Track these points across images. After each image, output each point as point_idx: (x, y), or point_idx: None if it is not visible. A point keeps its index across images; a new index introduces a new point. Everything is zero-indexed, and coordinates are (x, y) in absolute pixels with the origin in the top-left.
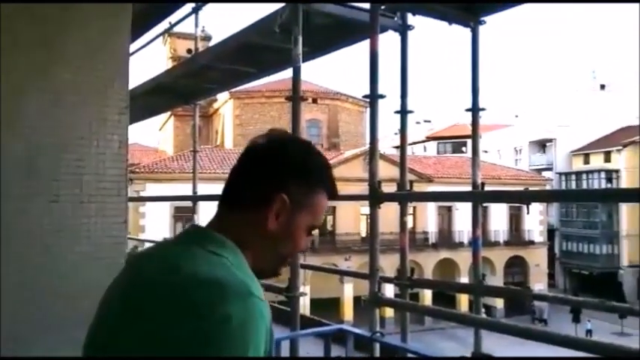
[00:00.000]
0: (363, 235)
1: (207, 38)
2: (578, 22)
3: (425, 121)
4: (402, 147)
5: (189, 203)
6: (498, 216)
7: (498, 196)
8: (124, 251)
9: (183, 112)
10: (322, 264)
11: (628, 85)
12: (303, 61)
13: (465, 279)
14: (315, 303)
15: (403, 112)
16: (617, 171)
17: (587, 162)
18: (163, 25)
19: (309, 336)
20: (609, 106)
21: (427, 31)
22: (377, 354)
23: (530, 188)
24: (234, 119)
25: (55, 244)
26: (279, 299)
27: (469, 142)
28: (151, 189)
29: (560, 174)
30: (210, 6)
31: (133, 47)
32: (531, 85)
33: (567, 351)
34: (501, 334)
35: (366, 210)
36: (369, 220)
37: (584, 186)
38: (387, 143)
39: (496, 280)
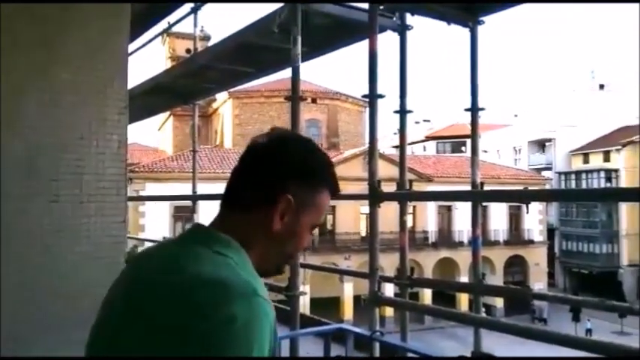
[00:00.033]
0: (363, 234)
1: (206, 38)
2: (577, 22)
3: (424, 120)
4: (401, 146)
5: (188, 203)
6: (498, 215)
7: (498, 196)
8: (123, 251)
9: (182, 111)
10: (322, 263)
11: (627, 85)
12: (302, 60)
13: (464, 278)
14: (315, 302)
15: (402, 111)
16: (616, 170)
17: (586, 161)
18: (162, 25)
19: (309, 335)
20: (608, 106)
21: (426, 31)
22: (377, 353)
23: (530, 188)
24: (233, 119)
25: (55, 244)
26: (279, 298)
27: (468, 141)
28: (151, 188)
29: (559, 173)
30: (209, 6)
31: (131, 47)
32: (530, 84)
33: (567, 350)
34: (501, 334)
35: (366, 209)
36: (368, 220)
37: (584, 185)
38: (387, 143)
39: (496, 279)
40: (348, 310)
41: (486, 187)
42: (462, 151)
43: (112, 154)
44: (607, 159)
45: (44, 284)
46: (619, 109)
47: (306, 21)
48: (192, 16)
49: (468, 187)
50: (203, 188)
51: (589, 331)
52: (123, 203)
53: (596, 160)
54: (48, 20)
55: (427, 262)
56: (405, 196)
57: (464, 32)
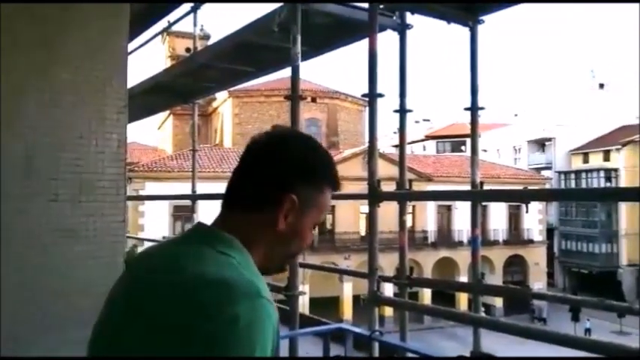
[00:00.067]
0: (363, 233)
1: (206, 37)
2: (576, 21)
3: (424, 120)
4: (401, 146)
5: (188, 202)
6: (498, 215)
7: (497, 195)
8: (122, 250)
9: (182, 111)
10: (322, 263)
11: (627, 85)
12: (302, 60)
13: (464, 278)
14: (314, 302)
15: (402, 111)
16: (616, 170)
17: (586, 161)
18: (162, 24)
19: (308, 335)
20: (608, 105)
21: (426, 30)
22: (376, 353)
23: (530, 187)
24: (233, 118)
25: (54, 244)
26: (278, 298)
27: (468, 141)
28: (150, 188)
29: (559, 173)
30: (208, 5)
31: (131, 46)
32: (530, 84)
33: (566, 350)
34: (501, 333)
35: (366, 209)
36: (368, 219)
37: (584, 185)
38: (387, 142)
39: (495, 279)
40: (347, 310)
41: (486, 187)
42: (461, 151)
43: (112, 154)
44: (607, 158)
45: (43, 284)
46: (619, 108)
47: (306, 20)
48: (191, 15)
49: (468, 187)
50: (203, 187)
51: (588, 330)
52: (122, 203)
53: (595, 160)
54: (47, 20)
55: (427, 261)
56: (404, 195)
57: (464, 31)
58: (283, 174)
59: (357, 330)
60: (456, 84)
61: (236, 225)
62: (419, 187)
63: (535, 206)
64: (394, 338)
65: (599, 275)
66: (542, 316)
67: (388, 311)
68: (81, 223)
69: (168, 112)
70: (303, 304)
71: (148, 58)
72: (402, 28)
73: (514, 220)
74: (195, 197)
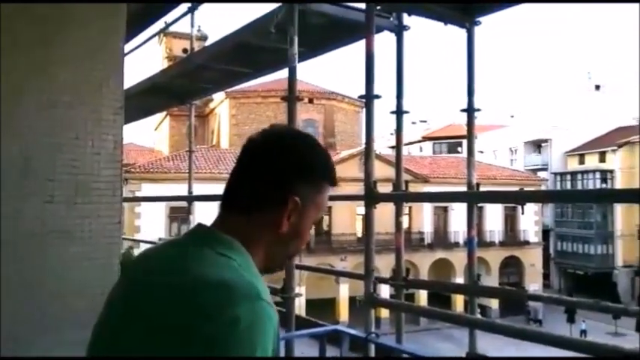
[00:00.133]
0: (359, 235)
1: (203, 38)
2: (573, 23)
3: (421, 121)
4: (397, 147)
5: (184, 203)
6: (494, 216)
7: (493, 197)
8: (118, 252)
9: (178, 111)
10: (318, 264)
11: (623, 86)
12: (299, 61)
13: (460, 279)
14: (310, 303)
15: (399, 112)
16: (611, 171)
17: (582, 162)
18: (159, 25)
19: (304, 337)
20: (604, 107)
21: (423, 31)
22: (372, 355)
23: (526, 188)
24: (230, 119)
25: (50, 245)
26: (275, 300)
27: (465, 142)
28: (147, 189)
29: (555, 174)
30: (205, 6)
31: (128, 47)
32: (526, 85)
33: (562, 351)
34: (496, 335)
35: (362, 210)
36: (364, 220)
37: (579, 186)
38: (383, 143)
39: (491, 280)
40: (343, 312)
41: (482, 188)
42: (458, 152)
43: (108, 155)
44: (603, 160)
45: (39, 285)
46: (615, 109)
47: (303, 21)
48: (189, 16)
49: (464, 188)
50: (199, 189)
51: (584, 332)
52: (118, 204)
53: (591, 161)
54: (45, 20)
55: (423, 263)
56: (401, 197)
57: (461, 33)
58: (283, 174)
59: (353, 332)
60: (453, 85)
61: (236, 226)
62: (415, 188)
63: (531, 207)
64: (390, 340)
65: (594, 276)
66: (537, 318)
67: (384, 313)
68: (76, 225)
69: (165, 113)
70: (300, 306)
71: (144, 58)
72: (399, 30)
73: (510, 221)
74: (191, 198)
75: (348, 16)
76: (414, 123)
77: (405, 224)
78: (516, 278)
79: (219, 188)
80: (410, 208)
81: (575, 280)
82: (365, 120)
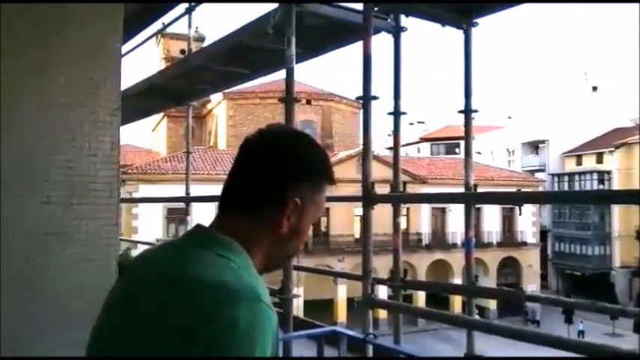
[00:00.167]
0: (357, 236)
1: (201, 39)
2: (570, 24)
3: (418, 122)
4: (395, 148)
5: (182, 204)
6: (491, 217)
7: (491, 198)
8: (115, 253)
9: (176, 113)
10: (316, 265)
11: (619, 87)
12: (297, 62)
13: (458, 280)
14: (308, 304)
15: (396, 113)
16: (609, 172)
17: (579, 163)
18: (157, 26)
19: (302, 338)
20: (601, 108)
21: (420, 32)
22: (370, 356)
23: (523, 189)
24: (227, 120)
25: (47, 246)
26: (273, 301)
27: (462, 143)
28: (144, 190)
29: (552, 175)
30: (203, 7)
31: (125, 48)
32: (524, 86)
33: (559, 352)
34: (494, 336)
35: (360, 211)
36: (362, 222)
37: (577, 187)
38: (381, 144)
39: (489, 281)
40: (341, 313)
41: (480, 189)
42: (456, 153)
43: (104, 156)
44: (600, 161)
45: (37, 286)
46: (612, 111)
47: (300, 22)
48: (186, 17)
49: (462, 189)
50: (197, 190)
51: (581, 332)
52: (115, 205)
53: (589, 162)
54: (44, 20)
55: (421, 264)
56: (398, 198)
57: (458, 34)
58: (282, 174)
59: (351, 333)
60: (450, 86)
61: (234, 227)
62: (413, 189)
63: (529, 208)
64: (388, 341)
65: (592, 277)
66: (535, 318)
67: (382, 314)
68: (73, 226)
69: (162, 114)
70: (298, 307)
71: (142, 59)
72: (396, 31)
73: (508, 222)
74: (189, 200)
75: (345, 17)
76: (411, 124)
77: (402, 225)
78: (514, 279)
79: (216, 189)
80: (408, 209)
81: (573, 281)
82: (362, 121)
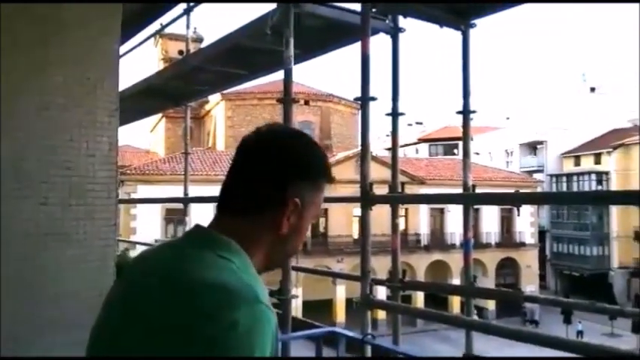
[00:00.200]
0: (356, 236)
1: (199, 40)
2: (568, 25)
3: (417, 123)
4: (393, 149)
5: (180, 205)
6: (490, 218)
7: (490, 199)
8: (113, 254)
9: (174, 113)
10: (315, 266)
11: (617, 88)
12: (295, 63)
13: (457, 281)
14: (307, 305)
15: (395, 114)
16: (607, 173)
17: (577, 164)
18: (155, 27)
19: (301, 338)
20: (599, 109)
21: (418, 33)
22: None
23: (522, 190)
24: (225, 121)
25: (46, 247)
26: (271, 302)
27: (461, 144)
28: (142, 191)
29: (551, 176)
30: (202, 7)
31: (124, 48)
32: (522, 87)
33: (558, 352)
34: (493, 336)
35: (359, 212)
36: (361, 222)
37: (575, 188)
38: (379, 145)
39: (488, 281)
40: (340, 313)
41: (478, 190)
42: (454, 154)
43: (103, 157)
44: (598, 161)
45: (37, 286)
46: (610, 111)
47: (298, 23)
48: (184, 18)
49: (460, 190)
50: (195, 190)
51: (580, 333)
52: (113, 206)
53: (587, 163)
54: (43, 21)
55: (419, 264)
56: (397, 198)
57: (456, 35)
58: (281, 174)
59: (349, 333)
60: (449, 87)
61: (233, 227)
62: (411, 190)
63: (527, 209)
64: (387, 341)
65: (590, 278)
66: (534, 319)
67: (381, 314)
68: (72, 227)
69: (160, 114)
70: (296, 308)
71: (140, 60)
72: (394, 32)
73: (506, 223)
74: (187, 200)
75: (343, 18)
76: (410, 125)
77: (401, 226)
78: (513, 279)
79: (215, 190)
80: (406, 209)
81: (572, 282)
82: (361, 122)
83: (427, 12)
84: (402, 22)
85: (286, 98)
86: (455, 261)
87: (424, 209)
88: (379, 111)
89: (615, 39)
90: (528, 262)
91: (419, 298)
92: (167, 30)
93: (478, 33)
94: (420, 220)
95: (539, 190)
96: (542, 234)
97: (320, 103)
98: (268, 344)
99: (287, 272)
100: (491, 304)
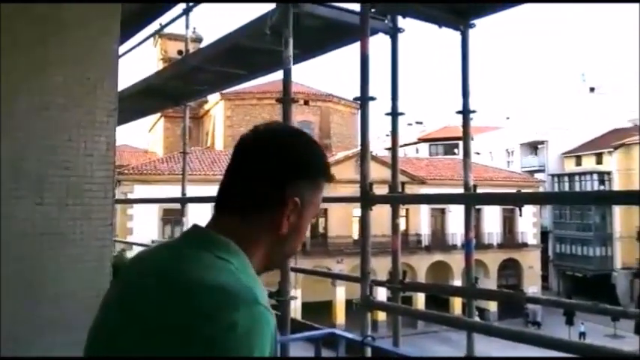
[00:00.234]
0: (356, 237)
1: (198, 40)
2: (568, 25)
3: (417, 122)
4: (393, 149)
5: (178, 205)
6: (492, 218)
7: (491, 199)
8: (110, 254)
9: (173, 113)
10: (314, 267)
11: (618, 88)
12: (294, 63)
13: (458, 282)
14: (306, 306)
15: (394, 114)
16: (609, 173)
17: (579, 164)
18: (154, 26)
19: (300, 340)
20: (600, 109)
21: (418, 33)
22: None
23: (523, 190)
24: (224, 121)
25: (42, 247)
26: (270, 303)
27: (461, 143)
28: (140, 191)
29: (552, 176)
30: (201, 7)
31: (123, 48)
32: (522, 87)
33: (560, 354)
34: (495, 338)
35: (359, 212)
36: (360, 223)
37: (577, 188)
38: (380, 145)
39: (490, 282)
40: (340, 315)
41: (479, 190)
42: (454, 154)
43: (100, 157)
44: (599, 161)
45: (35, 286)
46: (611, 111)
47: (297, 23)
48: (184, 18)
49: (461, 190)
50: (193, 191)
51: (583, 334)
52: (110, 206)
53: (588, 163)
54: (43, 20)
55: (420, 265)
56: (397, 199)
57: (455, 35)
58: (281, 173)
59: (349, 335)
60: (449, 87)
61: (232, 227)
62: (412, 190)
63: (529, 209)
64: (387, 343)
65: (593, 278)
66: (536, 320)
67: (382, 316)
68: (68, 227)
69: (159, 114)
70: (295, 309)
71: (139, 60)
72: (393, 32)
73: (508, 223)
74: (185, 200)
75: (342, 18)
76: (409, 125)
77: (402, 226)
78: (515, 281)
79: (213, 190)
80: (407, 210)
81: (574, 283)
82: (360, 122)
83: (426, 12)
84: (401, 22)
85: (285, 98)
86: (456, 262)
87: (425, 209)
88: (379, 111)
89: (615, 39)
90: (531, 262)
91: (420, 300)
92: (166, 30)
93: (477, 33)
94: (420, 220)
95: (540, 190)
96: (544, 234)
97: (319, 103)
98: (267, 346)
99: (286, 273)
100: (493, 306)
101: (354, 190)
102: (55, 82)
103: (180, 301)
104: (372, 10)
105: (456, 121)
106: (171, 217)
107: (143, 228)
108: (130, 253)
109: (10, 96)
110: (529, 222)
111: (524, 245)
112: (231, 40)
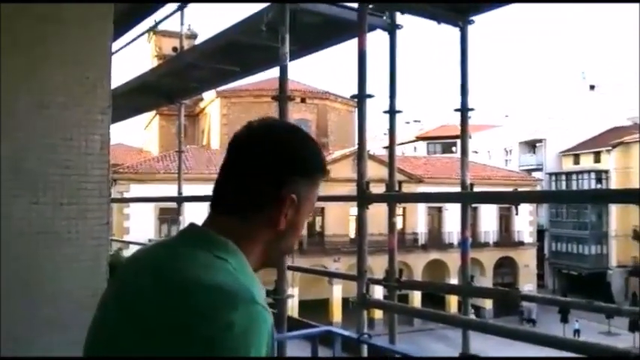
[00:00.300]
0: (352, 236)
1: (193, 36)
2: (567, 22)
3: (414, 121)
4: (390, 147)
5: (174, 204)
6: (488, 217)
7: (488, 197)
8: (106, 254)
9: (168, 111)
10: (311, 265)
11: (617, 86)
12: (291, 59)
13: (454, 280)
14: (303, 304)
15: (392, 112)
16: (606, 171)
17: (577, 162)
18: (148, 23)
19: (297, 338)
20: (599, 107)
21: (416, 30)
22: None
23: (521, 189)
24: (221, 118)
25: (37, 247)
26: (267, 301)
27: (459, 142)
28: (135, 190)
29: (550, 174)
30: (195, 4)
31: (117, 45)
32: (521, 85)
33: (555, 351)
34: (491, 335)
35: (355, 211)
36: (357, 221)
37: (575, 186)
38: (377, 143)
39: (486, 281)
40: (337, 313)
41: (477, 189)
42: (452, 152)
43: (95, 155)
44: (597, 160)
45: (32, 286)
46: (609, 109)
47: (294, 19)
48: (178, 14)
49: (459, 188)
50: (189, 189)
51: (577, 331)
52: (106, 205)
53: (586, 161)
54: (42, 20)
55: (417, 263)
56: (393, 197)
57: (454, 32)
58: (278, 170)
59: (345, 333)
60: (447, 85)
61: (228, 226)
62: (409, 188)
63: (526, 208)
64: (383, 341)
65: (588, 277)
66: (531, 318)
67: (378, 314)
68: (63, 226)
69: (154, 112)
70: (292, 307)
71: (133, 57)
72: (391, 28)
73: (504, 221)
74: (181, 199)
75: (340, 14)
76: (407, 123)
77: (398, 225)
78: (510, 279)
79: (209, 189)
80: (404, 208)
81: (570, 281)
82: (357, 120)
83: (425, 8)
84: (400, 18)
85: (282, 96)
86: (452, 260)
87: (422, 208)
88: (376, 109)
89: (615, 37)
90: (526, 261)
91: (416, 298)
92: (161, 27)
93: (476, 30)
94: (417, 219)
95: (538, 188)
96: (540, 233)
97: (316, 101)
98: (264, 345)
99: (283, 272)
100: (488, 304)
101: (351, 189)
102: (55, 82)
103: (177, 299)
104: (370, 6)
105: (454, 119)
106: (168, 216)
107: (140, 227)
108: (127, 252)
109: (10, 95)
110: (525, 220)
111: (521, 244)
112: (226, 37)
